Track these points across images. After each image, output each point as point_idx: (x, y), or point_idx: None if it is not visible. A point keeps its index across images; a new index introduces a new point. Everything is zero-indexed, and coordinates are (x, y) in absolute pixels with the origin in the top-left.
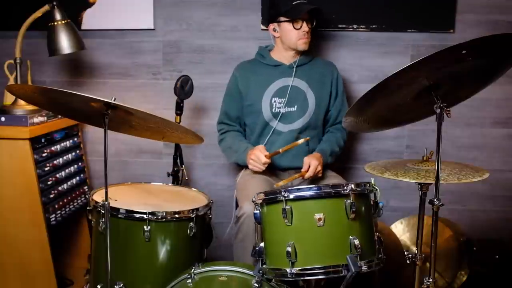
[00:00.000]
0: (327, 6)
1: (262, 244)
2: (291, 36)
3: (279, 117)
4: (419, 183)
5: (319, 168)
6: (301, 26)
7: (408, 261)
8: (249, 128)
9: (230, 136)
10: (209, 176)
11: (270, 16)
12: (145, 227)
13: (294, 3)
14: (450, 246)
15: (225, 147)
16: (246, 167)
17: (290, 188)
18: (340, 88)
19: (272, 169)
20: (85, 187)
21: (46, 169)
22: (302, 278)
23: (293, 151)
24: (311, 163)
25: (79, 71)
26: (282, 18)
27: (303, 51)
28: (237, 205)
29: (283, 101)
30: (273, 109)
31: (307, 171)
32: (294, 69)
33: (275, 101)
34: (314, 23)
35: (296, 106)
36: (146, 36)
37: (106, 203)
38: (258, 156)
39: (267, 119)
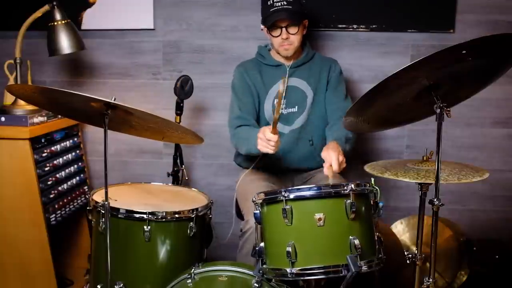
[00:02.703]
0: (327, 6)
1: (262, 244)
2: (273, 42)
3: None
4: (419, 183)
5: (341, 157)
6: (280, 34)
7: (408, 261)
8: None
9: (245, 128)
10: (209, 176)
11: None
12: (145, 227)
13: (271, 10)
14: (450, 246)
15: (239, 139)
16: (245, 169)
17: (290, 188)
18: (335, 78)
19: (275, 171)
20: (85, 187)
21: (46, 169)
22: (302, 278)
23: (297, 152)
24: (331, 156)
25: (79, 71)
26: (264, 25)
27: (304, 51)
28: (237, 212)
29: (283, 101)
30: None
31: (331, 166)
32: (287, 71)
33: (276, 102)
34: (299, 27)
35: (296, 107)
36: (146, 36)
37: (106, 203)
38: (264, 132)
39: (268, 119)
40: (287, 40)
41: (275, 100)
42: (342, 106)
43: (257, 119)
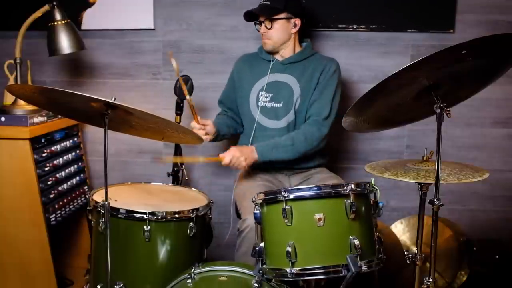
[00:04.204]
0: (327, 6)
1: (262, 244)
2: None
3: (261, 110)
4: (419, 183)
5: (236, 157)
6: (260, 28)
7: (408, 261)
8: (242, 119)
9: (217, 118)
10: (209, 176)
11: None
12: (145, 227)
13: (259, 4)
14: (450, 246)
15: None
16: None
17: (290, 188)
18: (325, 79)
19: (268, 171)
20: (85, 187)
21: (46, 169)
22: (302, 278)
23: None
24: (229, 155)
25: (79, 71)
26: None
27: (302, 48)
28: (236, 211)
29: (269, 95)
30: (259, 103)
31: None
32: (271, 65)
33: (261, 95)
34: (273, 23)
35: (282, 103)
36: (146, 36)
37: (106, 203)
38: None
39: (252, 112)
40: (264, 35)
41: (260, 92)
42: (320, 108)
43: (244, 112)
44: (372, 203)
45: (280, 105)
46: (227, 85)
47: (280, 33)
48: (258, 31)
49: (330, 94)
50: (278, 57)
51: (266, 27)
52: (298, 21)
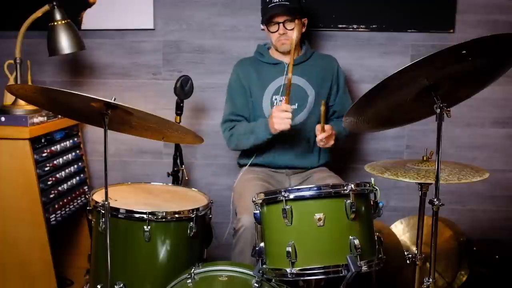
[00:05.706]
0: (327, 6)
1: (262, 244)
2: (271, 38)
3: None
4: (419, 183)
5: (333, 133)
6: (277, 29)
7: (408, 261)
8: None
9: (240, 125)
10: (209, 176)
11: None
12: (145, 227)
13: (269, 6)
14: (450, 246)
15: (238, 135)
16: (243, 166)
17: (290, 188)
18: (342, 82)
19: (270, 169)
20: (85, 187)
21: (46, 169)
22: (302, 278)
23: (293, 149)
24: (326, 128)
25: (79, 71)
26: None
27: (302, 49)
28: (235, 213)
29: (283, 98)
30: (274, 107)
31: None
32: (286, 67)
33: (275, 99)
34: (296, 23)
35: (296, 104)
36: (146, 36)
37: (106, 203)
38: (278, 109)
39: (266, 116)
40: (284, 35)
41: (274, 96)
42: (348, 106)
43: (256, 117)
44: (372, 203)
45: (295, 106)
46: (237, 94)
47: (298, 32)
48: (273, 32)
49: (348, 93)
50: (286, 59)
51: (287, 28)
52: (306, 21)
